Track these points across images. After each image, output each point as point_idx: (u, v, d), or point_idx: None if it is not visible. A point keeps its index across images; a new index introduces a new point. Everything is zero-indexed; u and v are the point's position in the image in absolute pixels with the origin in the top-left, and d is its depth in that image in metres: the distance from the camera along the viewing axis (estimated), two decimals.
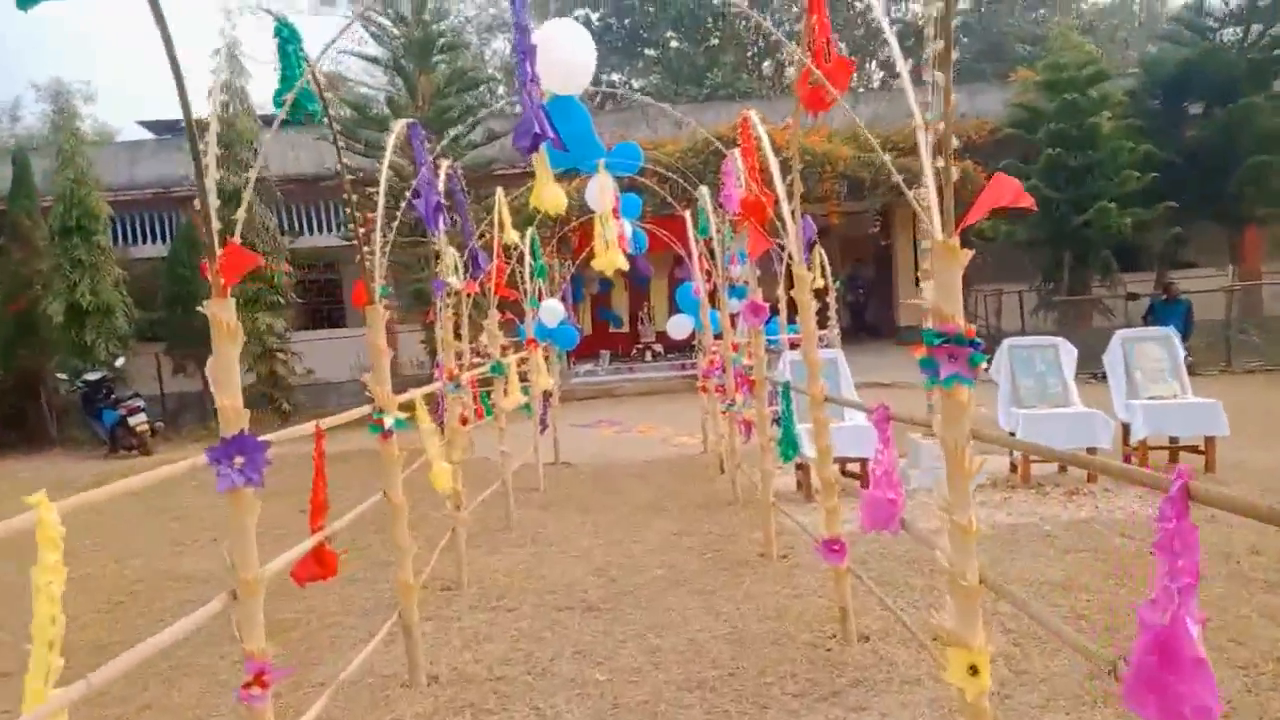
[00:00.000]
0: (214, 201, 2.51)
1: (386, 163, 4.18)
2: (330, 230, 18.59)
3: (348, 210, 3.61)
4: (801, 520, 5.99)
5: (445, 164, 5.43)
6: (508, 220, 6.91)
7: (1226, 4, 16.14)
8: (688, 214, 8.51)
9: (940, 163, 2.00)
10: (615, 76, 36.00)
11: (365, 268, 3.56)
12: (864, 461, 6.97)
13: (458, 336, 10.82)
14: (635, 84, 35.55)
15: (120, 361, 14.60)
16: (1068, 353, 7.22)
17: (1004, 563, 4.83)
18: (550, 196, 3.55)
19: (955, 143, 2.07)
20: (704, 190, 7.12)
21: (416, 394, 4.42)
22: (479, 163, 15.26)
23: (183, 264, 16.62)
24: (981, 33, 30.28)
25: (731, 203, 5.34)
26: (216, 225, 2.46)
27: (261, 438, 2.69)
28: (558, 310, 9.29)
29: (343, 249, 18.36)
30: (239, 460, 2.53)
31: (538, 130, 2.78)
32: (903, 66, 2.24)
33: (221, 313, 2.48)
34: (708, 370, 8.05)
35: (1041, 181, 14.13)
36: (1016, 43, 28.13)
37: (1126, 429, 7.09)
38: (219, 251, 2.50)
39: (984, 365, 2.14)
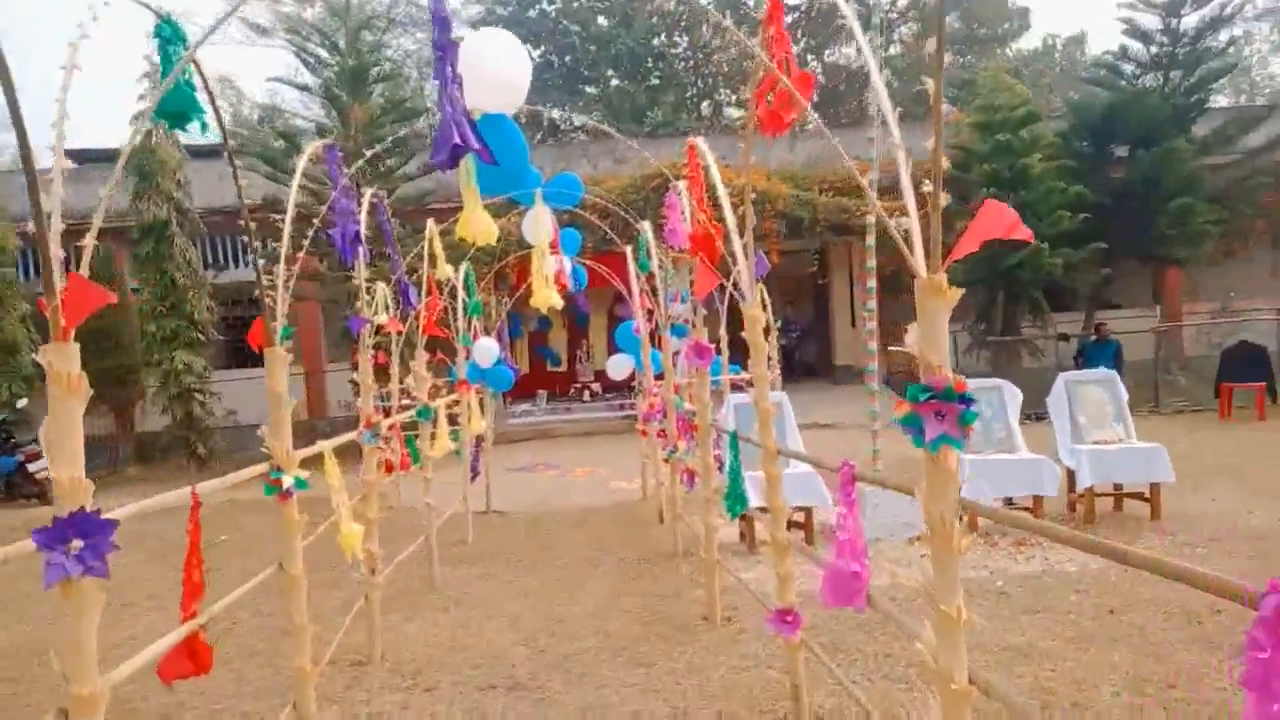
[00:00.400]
0: (56, 225, 2.06)
1: (295, 186, 3.81)
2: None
3: (252, 243, 3.19)
4: (746, 577, 5.66)
5: (369, 191, 5.04)
6: (440, 254, 6.52)
7: (1148, 50, 16.69)
8: (629, 250, 8.22)
9: (928, 187, 1.71)
10: (555, 113, 35.98)
11: (265, 304, 3.14)
12: (808, 511, 6.69)
13: (387, 378, 10.32)
14: (575, 120, 35.57)
15: (22, 403, 13.65)
16: (1012, 396, 7.08)
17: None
18: (479, 225, 3.20)
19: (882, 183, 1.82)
20: (645, 225, 6.84)
21: (325, 446, 3.98)
22: (412, 196, 14.81)
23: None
24: (909, 78, 31.10)
25: (677, 237, 5.05)
26: (75, 257, 2.03)
27: (115, 514, 2.24)
28: (492, 349, 8.88)
29: (267, 285, 17.69)
30: (76, 544, 2.07)
31: (458, 140, 2.40)
32: (887, 104, 1.96)
33: (60, 362, 2.03)
34: (648, 413, 7.71)
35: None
36: (947, 88, 28.90)
37: (1071, 475, 6.96)
38: (58, 286, 2.05)
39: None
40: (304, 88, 13.63)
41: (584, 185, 16.90)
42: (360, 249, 4.50)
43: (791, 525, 6.90)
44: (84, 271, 2.16)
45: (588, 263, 9.68)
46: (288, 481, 3.18)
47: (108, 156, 16.74)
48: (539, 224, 5.74)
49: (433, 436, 7.02)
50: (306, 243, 4.04)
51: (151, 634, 5.54)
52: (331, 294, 14.78)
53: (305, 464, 3.42)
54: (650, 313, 8.65)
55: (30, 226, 2.05)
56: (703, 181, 4.28)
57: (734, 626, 4.83)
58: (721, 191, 3.61)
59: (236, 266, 18.23)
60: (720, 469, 5.65)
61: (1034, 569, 5.58)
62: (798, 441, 7.02)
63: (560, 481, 11.19)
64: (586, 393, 18.03)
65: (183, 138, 15.69)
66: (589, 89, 36.46)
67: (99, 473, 15.22)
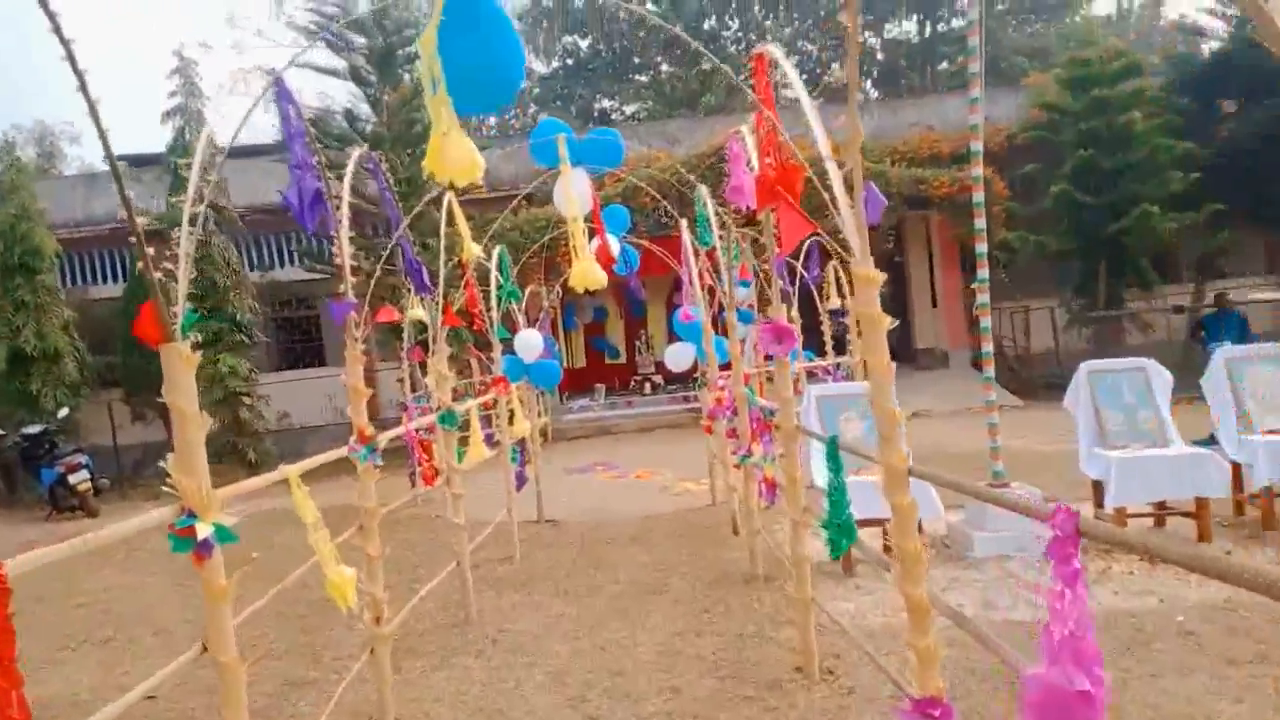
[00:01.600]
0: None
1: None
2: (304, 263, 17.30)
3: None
4: (844, 610, 4.59)
5: (358, 152, 4.11)
6: (465, 230, 5.59)
7: None
8: (684, 223, 7.17)
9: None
10: (606, 103, 35.03)
11: (151, 283, 2.20)
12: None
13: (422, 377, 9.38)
14: (627, 109, 34.59)
15: (64, 412, 13.23)
16: (1160, 378, 5.83)
17: (1152, 688, 3.40)
18: (455, 155, 2.25)
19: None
20: (702, 190, 5.79)
21: (292, 472, 3.05)
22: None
23: (140, 302, 15.23)
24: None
25: (741, 194, 4.03)
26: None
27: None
28: (535, 342, 7.91)
29: (319, 283, 17.07)
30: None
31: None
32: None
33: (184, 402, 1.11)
34: (714, 409, 6.65)
35: (1072, 186, 12.81)
36: (1015, 56, 27.17)
37: (1238, 471, 5.69)
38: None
39: None
40: (331, 72, 12.86)
41: (636, 167, 15.90)
42: (326, 213, 3.49)
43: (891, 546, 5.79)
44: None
45: (644, 243, 8.69)
46: (204, 531, 2.23)
47: (139, 161, 16.35)
48: (568, 191, 4.74)
49: (462, 444, 6.11)
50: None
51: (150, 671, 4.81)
52: (363, 288, 14.03)
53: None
54: (711, 293, 7.60)
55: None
56: (773, 99, 3.22)
57: (837, 684, 3.76)
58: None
59: (283, 266, 17.68)
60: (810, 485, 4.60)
61: (1217, 594, 4.38)
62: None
63: (619, 484, 10.21)
64: (647, 385, 17.04)
65: (222, 137, 15.14)
66: (639, 76, 35.49)
67: (149, 480, 14.81)
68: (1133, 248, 13.29)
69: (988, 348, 5.88)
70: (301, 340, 19.64)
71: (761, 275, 9.37)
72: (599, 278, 6.01)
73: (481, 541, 6.68)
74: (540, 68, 34.69)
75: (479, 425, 6.01)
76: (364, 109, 13.49)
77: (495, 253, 7.17)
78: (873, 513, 5.41)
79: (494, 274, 6.83)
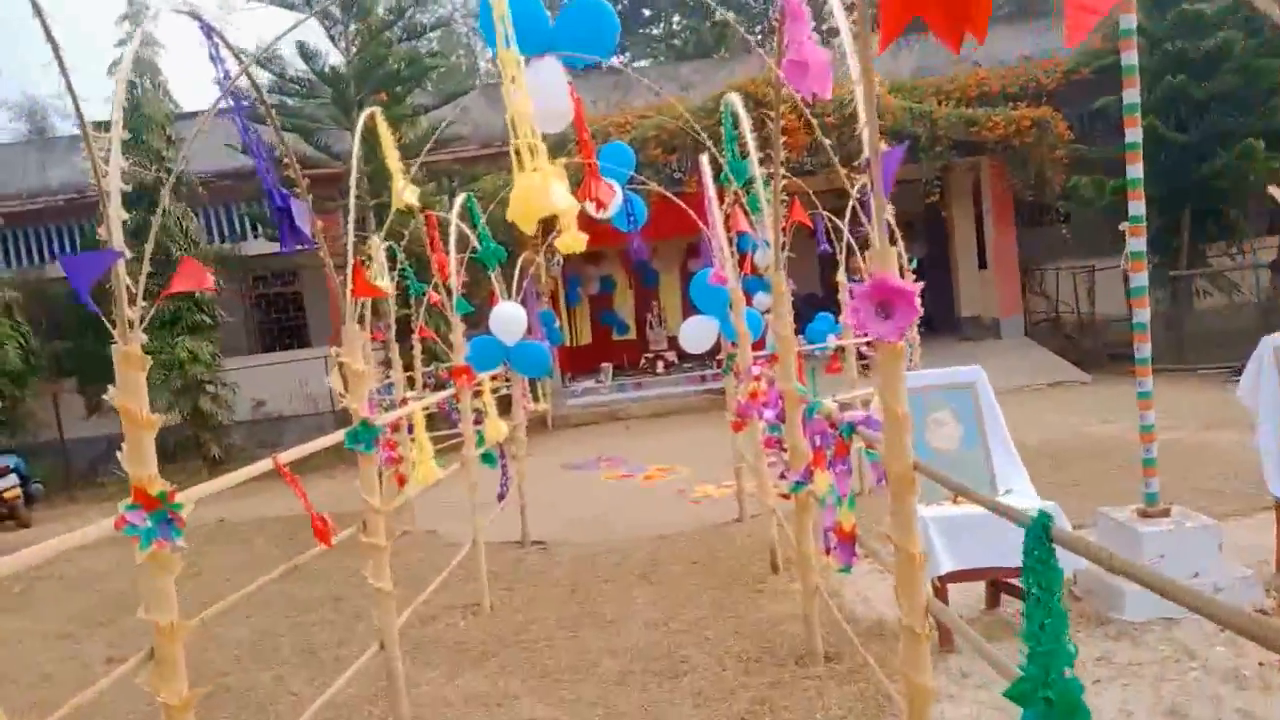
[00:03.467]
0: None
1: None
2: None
3: None
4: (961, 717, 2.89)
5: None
6: (394, 162, 3.89)
7: None
8: (703, 160, 5.41)
9: None
10: (615, 60, 33.09)
11: None
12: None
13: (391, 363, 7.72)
14: (640, 64, 32.61)
15: None
16: None
17: None
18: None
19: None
20: (731, 99, 4.01)
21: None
22: (429, 132, 12.18)
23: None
24: None
25: (804, 73, 2.39)
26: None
27: None
28: (515, 320, 6.18)
29: (304, 256, 15.36)
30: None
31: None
32: None
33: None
34: (745, 407, 4.91)
35: (1157, 118, 10.86)
36: None
37: None
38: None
39: None
40: (289, 5, 11.07)
41: (648, 116, 14.02)
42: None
43: (1000, 586, 4.08)
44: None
45: (653, 188, 6.93)
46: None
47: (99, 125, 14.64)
48: (510, 81, 2.97)
49: (396, 462, 4.43)
50: None
51: None
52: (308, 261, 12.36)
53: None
54: (741, 256, 5.82)
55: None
56: None
57: None
58: None
59: (256, 237, 15.98)
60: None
61: None
62: (1008, 449, 4.13)
63: (627, 489, 8.51)
64: (660, 363, 15.29)
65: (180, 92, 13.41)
66: (652, 30, 33.53)
67: (104, 482, 13.27)
68: (1227, 192, 11.34)
69: (1142, 315, 4.07)
70: (283, 319, 17.99)
71: (828, 223, 7.48)
72: (577, 243, 4.35)
73: (444, 580, 5.02)
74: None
75: (425, 436, 4.28)
76: (318, 43, 11.70)
77: (458, 201, 5.43)
78: (980, 559, 3.72)
79: (453, 227, 5.06)
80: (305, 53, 11.05)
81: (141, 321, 2.07)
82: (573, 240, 4.73)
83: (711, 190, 5.24)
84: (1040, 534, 1.50)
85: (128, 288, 2.02)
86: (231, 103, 2.53)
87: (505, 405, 7.06)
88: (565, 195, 2.39)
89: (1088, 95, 13.98)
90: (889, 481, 2.19)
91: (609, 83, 16.61)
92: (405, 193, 3.62)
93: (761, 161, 3.76)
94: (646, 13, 33.28)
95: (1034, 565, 1.52)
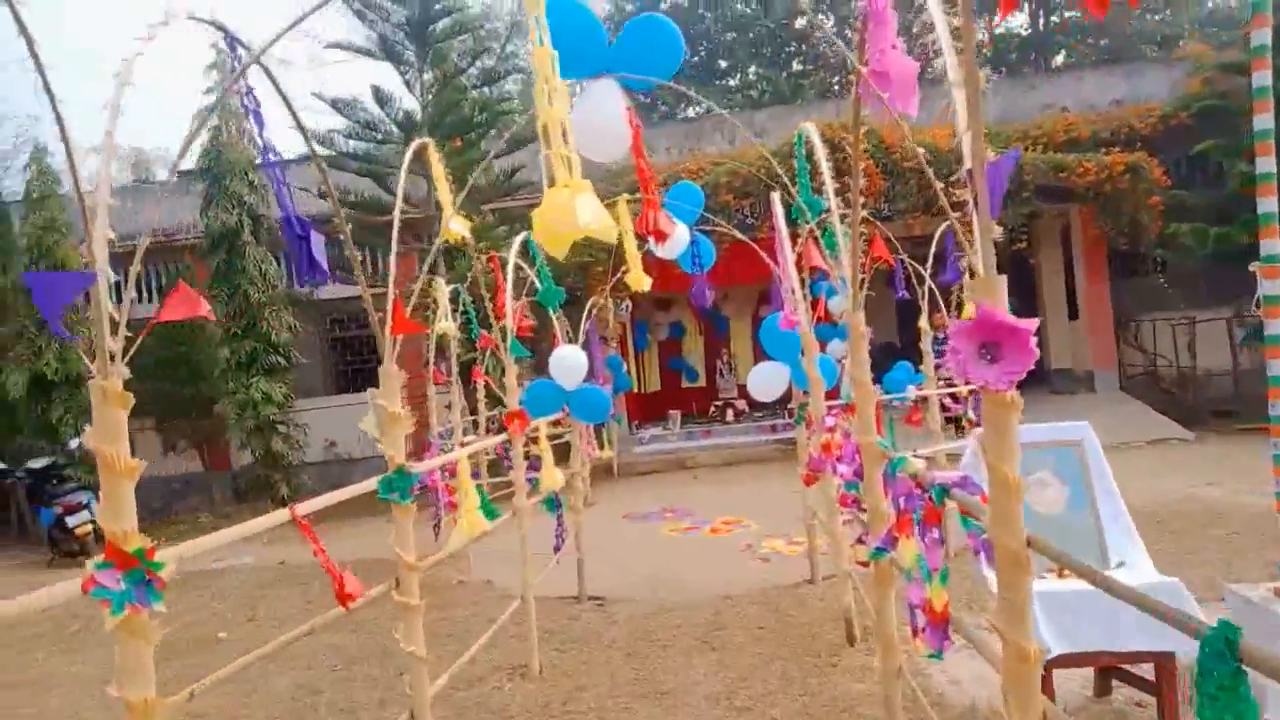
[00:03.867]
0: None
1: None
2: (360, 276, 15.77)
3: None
4: None
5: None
6: (445, 192, 3.71)
7: None
8: (775, 198, 5.11)
9: None
10: (691, 111, 33.22)
11: None
12: (1167, 662, 3.30)
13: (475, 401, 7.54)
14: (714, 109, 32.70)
15: (75, 443, 11.91)
16: None
17: None
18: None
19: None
20: (808, 129, 3.71)
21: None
22: (502, 180, 12.20)
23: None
24: (1100, 35, 26.35)
25: (888, 84, 2.09)
26: None
27: None
28: (575, 363, 5.93)
29: (377, 299, 15.51)
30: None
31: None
32: None
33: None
34: (818, 461, 4.51)
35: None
36: (1140, 44, 24.20)
37: None
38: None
39: None
40: (366, 51, 11.28)
41: (720, 162, 13.84)
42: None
43: (1130, 679, 3.56)
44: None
45: (725, 229, 6.67)
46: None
47: (189, 172, 15.18)
48: (546, 94, 2.73)
49: (455, 508, 4.17)
50: None
51: None
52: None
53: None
54: (814, 300, 5.47)
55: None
56: None
57: None
58: None
59: (332, 282, 16.25)
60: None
61: None
62: (1122, 522, 3.64)
63: (691, 543, 8.10)
64: (729, 411, 14.89)
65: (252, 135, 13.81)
66: (729, 81, 33.75)
67: (178, 518, 13.44)
68: None
69: (1278, 367, 3.57)
70: (356, 361, 18.21)
71: (908, 268, 7.00)
72: (643, 282, 4.13)
73: (493, 636, 4.71)
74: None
75: (470, 484, 4.01)
76: (395, 90, 11.85)
77: (518, 240, 5.23)
78: (1093, 641, 3.23)
79: (510, 266, 4.85)
80: (380, 98, 11.23)
81: (125, 356, 1.84)
82: (638, 278, 4.48)
83: (783, 228, 4.92)
84: (1223, 651, 1.11)
85: (111, 316, 1.79)
86: (245, 99, 2.33)
87: (566, 453, 6.80)
88: (597, 212, 2.09)
89: (1184, 141, 13.29)
90: (995, 559, 1.80)
91: (681, 131, 16.56)
92: (453, 223, 3.40)
93: (838, 192, 3.43)
94: (723, 64, 33.55)
95: (1214, 693, 1.12)
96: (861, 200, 3.61)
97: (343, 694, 4.88)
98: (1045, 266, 14.64)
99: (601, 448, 12.24)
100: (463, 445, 6.54)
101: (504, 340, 4.64)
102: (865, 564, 3.27)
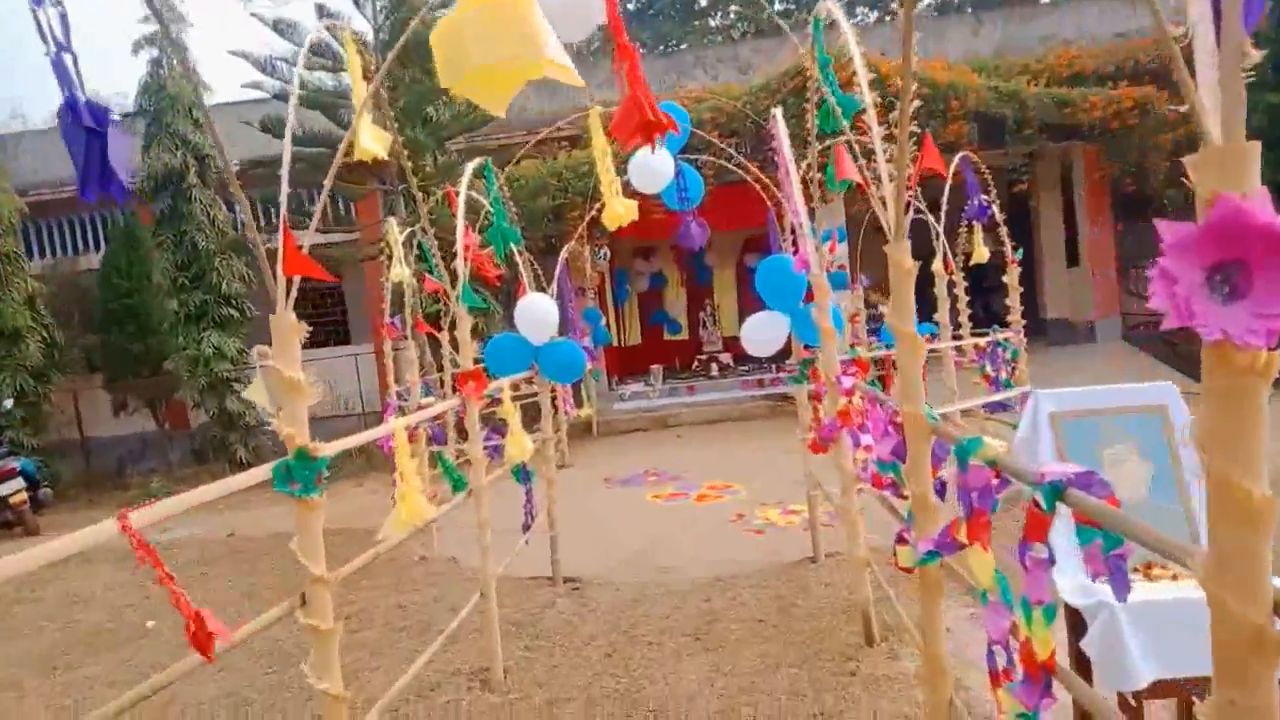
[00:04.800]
0: None
1: None
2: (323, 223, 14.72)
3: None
4: None
5: None
6: (359, 83, 2.89)
7: None
8: (777, 112, 4.31)
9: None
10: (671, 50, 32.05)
11: None
12: None
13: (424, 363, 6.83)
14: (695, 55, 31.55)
15: (8, 404, 11.01)
16: None
17: None
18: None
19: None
20: (831, 4, 2.88)
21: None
22: (468, 112, 11.22)
23: (120, 272, 13.00)
24: None
25: None
26: None
27: None
28: (545, 314, 5.16)
29: (346, 246, 14.49)
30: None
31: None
32: None
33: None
34: (829, 429, 3.78)
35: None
36: None
37: None
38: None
39: None
40: None
41: (705, 98, 12.88)
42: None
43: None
44: None
45: (730, 163, 5.88)
46: None
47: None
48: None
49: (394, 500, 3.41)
50: None
51: None
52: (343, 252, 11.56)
53: None
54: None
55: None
56: None
57: None
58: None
59: (301, 229, 15.23)
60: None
61: None
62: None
63: (677, 511, 7.42)
64: (714, 366, 14.17)
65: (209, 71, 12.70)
66: (709, 20, 32.56)
67: (130, 479, 12.62)
68: None
69: None
70: (324, 315, 17.27)
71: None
72: (625, 212, 3.45)
73: (454, 631, 3.98)
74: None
75: (409, 463, 3.25)
76: (343, 8, 10.77)
77: (469, 167, 4.40)
78: (1195, 662, 2.55)
79: (461, 195, 4.02)
80: (324, 17, 10.16)
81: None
82: (613, 213, 3.69)
83: (788, 151, 4.13)
84: None
85: None
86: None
87: (536, 414, 6.05)
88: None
89: (1195, 75, 12.50)
90: (1217, 633, 1.07)
91: (661, 66, 15.54)
92: (364, 137, 2.57)
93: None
94: (703, 3, 32.33)
95: None
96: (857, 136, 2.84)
97: (274, 702, 4.16)
98: (1044, 209, 13.91)
99: (580, 406, 11.51)
100: (420, 409, 5.78)
101: (453, 287, 3.83)
102: (908, 570, 2.55)
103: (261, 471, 2.36)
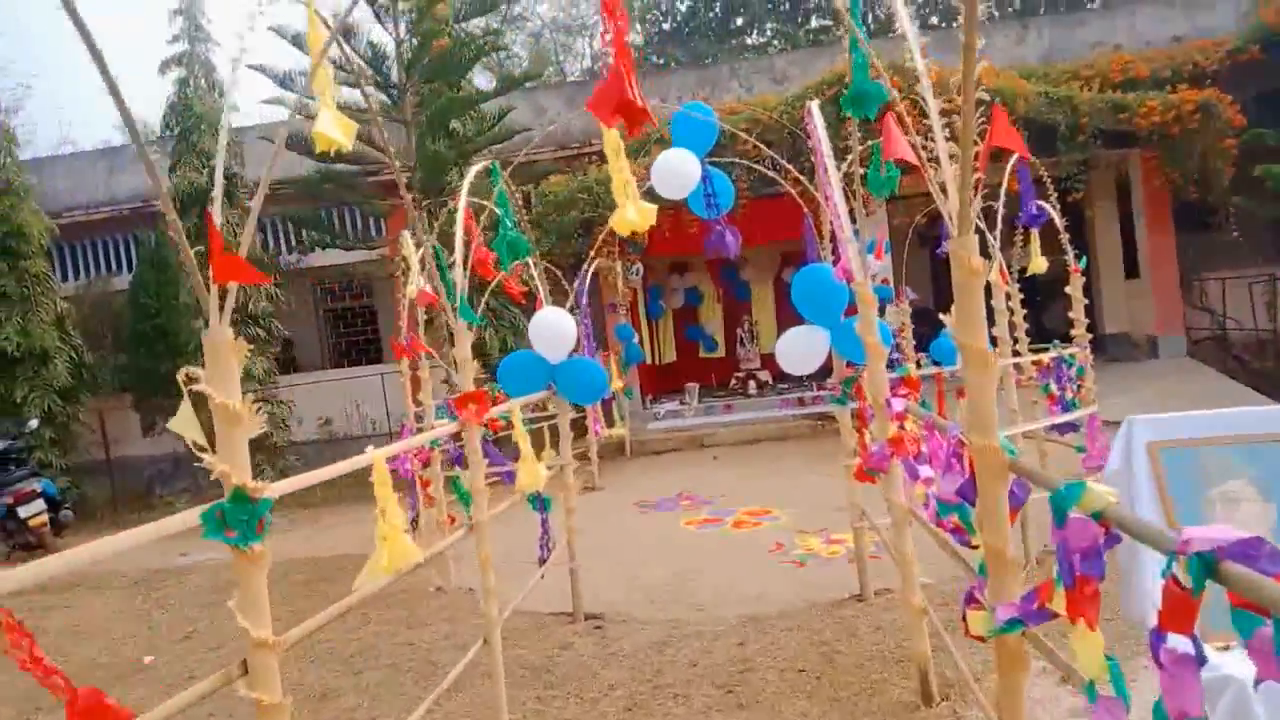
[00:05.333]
0: None
1: None
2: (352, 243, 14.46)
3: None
4: None
5: None
6: (323, 77, 2.46)
7: None
8: (813, 106, 3.88)
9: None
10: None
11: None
12: None
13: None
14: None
15: (33, 424, 10.88)
16: None
17: None
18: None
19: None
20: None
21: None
22: (492, 125, 10.92)
23: (148, 293, 12.90)
24: None
25: None
26: None
27: None
28: (563, 330, 4.75)
29: (368, 265, 14.28)
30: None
31: None
32: None
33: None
34: (880, 456, 3.31)
35: None
36: None
37: None
38: None
39: None
40: None
41: (738, 110, 12.47)
42: None
43: None
44: None
45: (763, 167, 5.45)
46: None
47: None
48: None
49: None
50: None
51: None
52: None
53: None
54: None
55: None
56: None
57: None
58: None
59: (324, 249, 15.07)
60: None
61: None
62: None
63: (711, 539, 6.94)
64: (752, 384, 13.67)
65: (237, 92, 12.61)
66: (745, 39, 32.29)
67: (161, 502, 12.46)
68: None
69: None
70: (356, 334, 17.09)
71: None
72: (641, 219, 3.06)
73: (458, 679, 3.55)
74: (635, 36, 31.82)
75: (392, 498, 2.85)
76: (364, 21, 10.56)
77: (472, 172, 4.03)
78: None
79: (461, 200, 3.64)
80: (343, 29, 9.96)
81: None
82: (623, 219, 3.28)
83: (826, 148, 3.69)
84: None
85: None
86: None
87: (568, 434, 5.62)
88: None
89: (1258, 77, 11.84)
90: None
91: (694, 78, 15.19)
92: (324, 121, 2.16)
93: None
94: (739, 21, 32.10)
95: None
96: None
97: None
98: (1100, 220, 13.23)
99: (611, 425, 11.10)
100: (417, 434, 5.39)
101: (451, 303, 3.44)
102: (982, 639, 2.08)
103: (192, 516, 1.97)
